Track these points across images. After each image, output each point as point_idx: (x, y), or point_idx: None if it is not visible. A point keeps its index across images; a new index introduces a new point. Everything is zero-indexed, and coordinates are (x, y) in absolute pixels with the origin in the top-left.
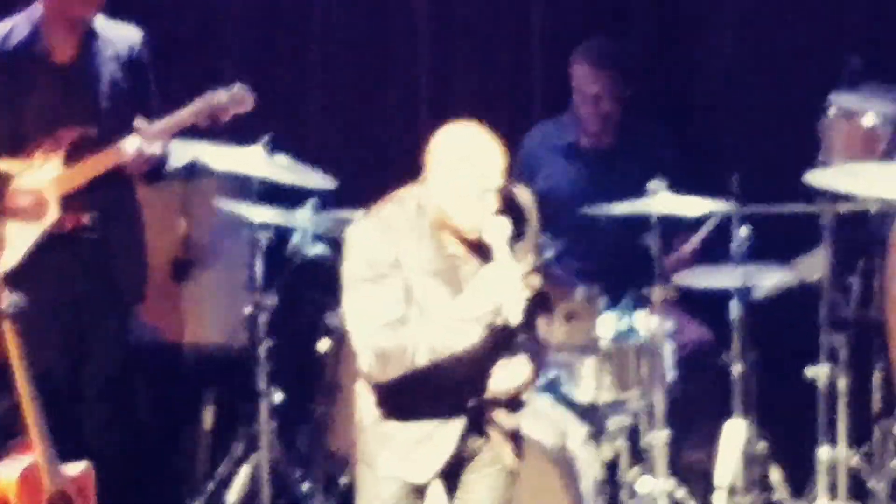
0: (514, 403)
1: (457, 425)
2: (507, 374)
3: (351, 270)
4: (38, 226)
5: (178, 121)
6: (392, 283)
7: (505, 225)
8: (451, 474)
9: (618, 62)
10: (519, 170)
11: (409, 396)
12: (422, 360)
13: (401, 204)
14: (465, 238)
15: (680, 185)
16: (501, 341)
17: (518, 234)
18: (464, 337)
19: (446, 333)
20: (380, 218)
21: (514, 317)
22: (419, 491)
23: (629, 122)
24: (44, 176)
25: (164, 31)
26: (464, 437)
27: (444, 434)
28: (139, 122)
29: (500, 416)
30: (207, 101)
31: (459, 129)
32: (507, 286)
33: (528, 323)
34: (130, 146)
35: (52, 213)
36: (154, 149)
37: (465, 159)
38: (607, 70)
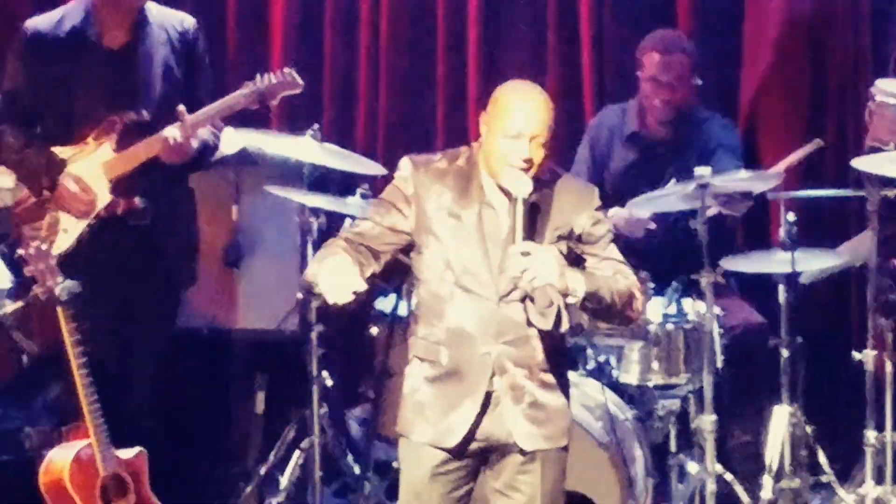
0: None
1: (479, 392)
2: (526, 259)
3: (387, 188)
4: (83, 218)
5: (227, 105)
6: (395, 215)
7: (524, 182)
8: (488, 454)
9: (686, 48)
10: (584, 153)
11: (438, 356)
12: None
13: (453, 155)
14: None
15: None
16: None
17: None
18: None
19: (314, 265)
20: (423, 158)
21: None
22: (455, 462)
23: (688, 113)
24: (96, 160)
25: (214, 19)
26: (483, 407)
27: (470, 401)
28: (181, 110)
29: (535, 317)
30: (257, 84)
31: (509, 83)
32: (544, 265)
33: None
34: (170, 135)
35: (104, 198)
36: (194, 140)
37: (503, 105)
38: (678, 56)
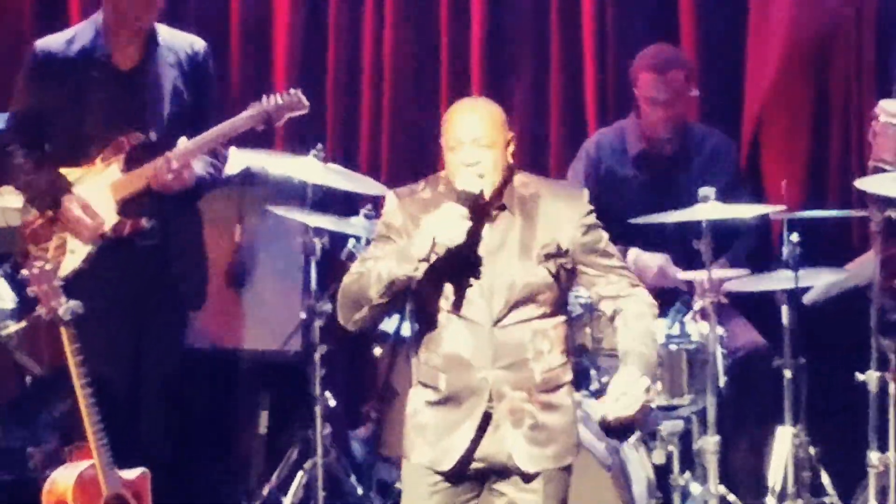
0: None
1: (477, 415)
2: (625, 401)
3: (377, 227)
4: (88, 243)
5: (232, 126)
6: (391, 245)
7: (472, 181)
8: (488, 475)
9: (680, 63)
10: (584, 176)
11: (436, 381)
12: (373, 291)
13: (434, 181)
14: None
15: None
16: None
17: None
18: (401, 266)
19: (390, 262)
20: (407, 189)
21: (441, 248)
22: (453, 484)
23: (697, 129)
24: (104, 181)
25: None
26: (481, 430)
27: (467, 424)
28: (181, 142)
29: (510, 415)
30: (263, 105)
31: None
32: (444, 223)
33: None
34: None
35: (111, 218)
36: (186, 173)
37: (445, 123)
38: (672, 72)
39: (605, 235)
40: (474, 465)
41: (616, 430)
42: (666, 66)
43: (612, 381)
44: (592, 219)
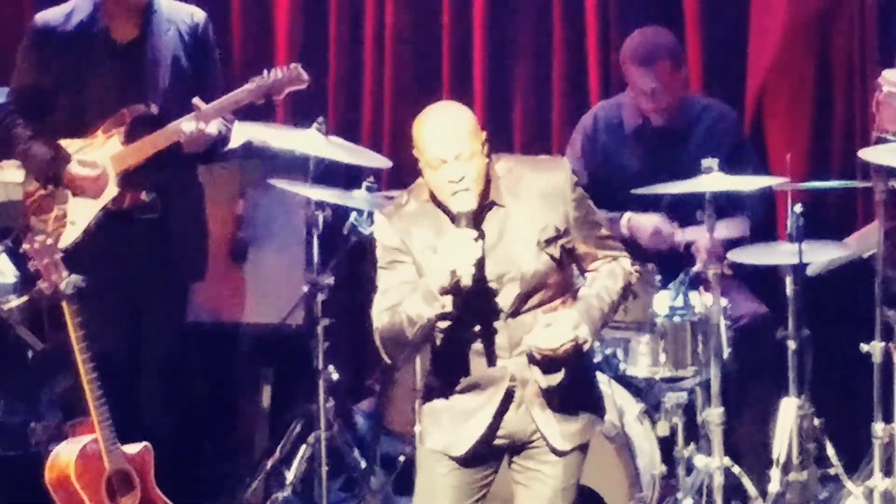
0: (550, 364)
1: (496, 399)
2: (547, 332)
3: (377, 254)
4: (97, 203)
5: (234, 99)
6: (402, 269)
7: (463, 200)
8: (510, 451)
9: (665, 50)
10: (580, 151)
11: (454, 374)
12: (409, 334)
13: (417, 190)
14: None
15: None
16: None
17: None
18: (432, 304)
19: (417, 303)
20: (393, 207)
21: (465, 277)
22: (468, 468)
23: (696, 101)
24: (104, 153)
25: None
26: (502, 409)
27: (485, 411)
28: (197, 101)
29: (537, 375)
30: (264, 79)
31: (420, 114)
32: (457, 251)
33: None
34: (187, 126)
35: (111, 191)
36: (211, 128)
37: (418, 139)
38: (658, 63)
39: (591, 205)
40: (497, 442)
41: (540, 364)
42: (652, 58)
43: (546, 316)
44: (580, 191)
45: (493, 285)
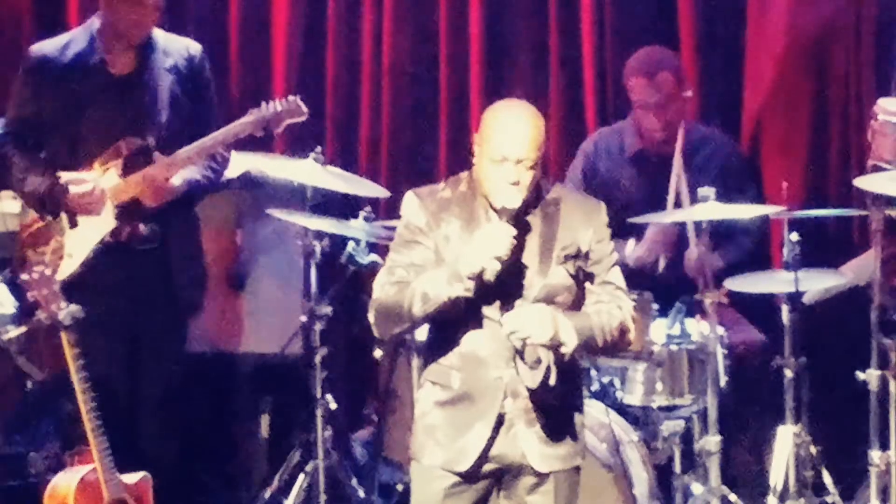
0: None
1: (491, 415)
2: (518, 318)
3: (396, 232)
4: (95, 235)
5: (225, 135)
6: (418, 250)
7: (510, 197)
8: (500, 476)
9: (668, 65)
10: (580, 175)
11: (450, 377)
12: (417, 309)
13: (454, 181)
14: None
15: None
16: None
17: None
18: (451, 287)
19: (438, 282)
20: (427, 189)
21: (490, 273)
22: (467, 485)
23: (696, 129)
24: (102, 186)
25: (216, 44)
26: (495, 429)
27: (481, 424)
28: (157, 156)
29: (524, 373)
30: (262, 111)
31: (497, 104)
32: (490, 245)
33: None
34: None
35: (109, 223)
36: (176, 180)
37: (488, 128)
38: (661, 74)
39: (615, 254)
40: (488, 467)
41: (520, 353)
42: (655, 69)
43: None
44: (609, 233)
45: (504, 292)
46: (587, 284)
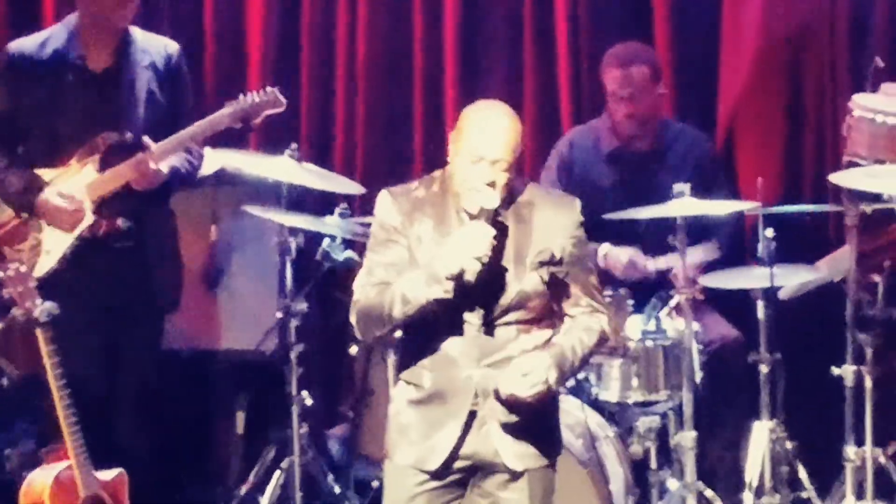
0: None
1: (462, 414)
2: (519, 380)
3: (371, 232)
4: (72, 231)
5: (202, 128)
6: (394, 249)
7: (488, 198)
8: (473, 474)
9: (644, 58)
10: (556, 174)
11: (421, 377)
12: (397, 311)
13: (428, 181)
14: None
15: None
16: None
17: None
18: (430, 289)
19: (417, 284)
20: (400, 188)
21: (470, 274)
22: (438, 483)
23: (670, 125)
24: (79, 181)
25: (191, 41)
26: (466, 427)
27: (454, 423)
28: (147, 141)
29: (498, 412)
30: (241, 103)
31: (475, 104)
32: (471, 243)
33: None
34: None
35: (87, 218)
36: (163, 166)
37: (466, 128)
38: (636, 67)
39: (590, 251)
40: (459, 464)
41: (507, 405)
42: (629, 62)
43: (520, 360)
44: (582, 232)
45: (477, 295)
46: (564, 303)
